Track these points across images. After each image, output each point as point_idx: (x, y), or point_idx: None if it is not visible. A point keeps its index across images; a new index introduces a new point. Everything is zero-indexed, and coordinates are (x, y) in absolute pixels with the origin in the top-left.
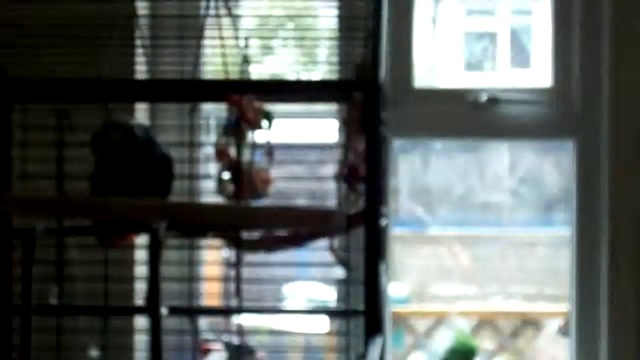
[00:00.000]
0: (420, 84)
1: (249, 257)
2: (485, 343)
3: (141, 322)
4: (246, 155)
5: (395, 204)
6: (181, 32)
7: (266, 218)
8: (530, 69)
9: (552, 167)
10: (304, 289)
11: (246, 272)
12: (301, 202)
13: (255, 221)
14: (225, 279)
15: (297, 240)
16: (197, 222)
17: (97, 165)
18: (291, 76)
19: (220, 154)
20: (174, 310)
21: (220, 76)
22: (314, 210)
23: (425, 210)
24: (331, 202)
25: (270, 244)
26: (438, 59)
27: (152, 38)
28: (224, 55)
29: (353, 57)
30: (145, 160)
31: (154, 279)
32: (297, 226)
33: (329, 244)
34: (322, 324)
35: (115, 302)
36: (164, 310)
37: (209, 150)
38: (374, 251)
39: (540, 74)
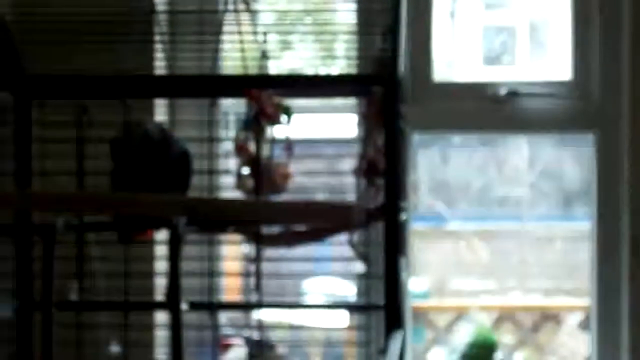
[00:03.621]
0: (439, 78)
1: (269, 252)
2: (505, 337)
3: (161, 317)
4: (265, 151)
5: (415, 198)
6: (200, 27)
7: (285, 213)
8: (550, 62)
9: (571, 160)
10: (324, 284)
11: (266, 267)
12: (320, 197)
13: (274, 216)
14: (245, 274)
15: (317, 235)
16: (216, 218)
17: (115, 161)
18: (310, 71)
19: (240, 149)
20: (194, 306)
21: (239, 71)
22: (333, 205)
23: (444, 205)
24: (350, 197)
25: (289, 239)
26: (457, 53)
27: (171, 34)
28: (242, 50)
29: (372, 52)
30: (163, 156)
31: (174, 275)
32: (317, 221)
33: (348, 239)
34: (342, 319)
35: (135, 297)
36: (184, 306)
37: (228, 146)
38: (394, 246)
39: (559, 66)
